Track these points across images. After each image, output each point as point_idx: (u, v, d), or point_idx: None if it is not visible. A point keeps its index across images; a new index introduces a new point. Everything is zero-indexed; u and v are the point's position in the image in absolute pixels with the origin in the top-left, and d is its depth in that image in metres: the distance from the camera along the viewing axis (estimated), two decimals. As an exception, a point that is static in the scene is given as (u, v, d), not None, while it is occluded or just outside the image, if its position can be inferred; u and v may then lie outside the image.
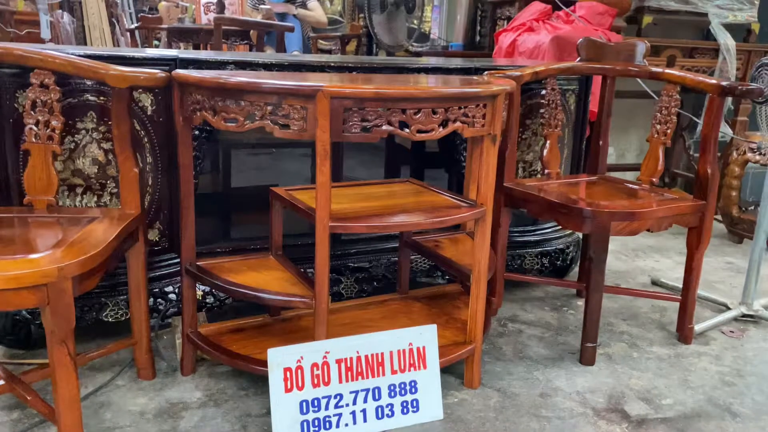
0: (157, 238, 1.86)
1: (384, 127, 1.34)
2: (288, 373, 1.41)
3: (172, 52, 1.87)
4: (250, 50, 4.41)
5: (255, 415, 1.54)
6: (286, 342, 1.63)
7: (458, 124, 1.42)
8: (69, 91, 1.62)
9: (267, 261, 1.72)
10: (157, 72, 1.48)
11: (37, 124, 1.50)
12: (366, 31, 4.46)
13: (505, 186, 1.99)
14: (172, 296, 1.87)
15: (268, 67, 1.82)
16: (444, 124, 1.40)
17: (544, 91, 2.10)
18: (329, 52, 5.40)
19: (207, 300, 1.90)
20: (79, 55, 1.52)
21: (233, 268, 1.65)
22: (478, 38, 4.17)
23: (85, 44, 4.78)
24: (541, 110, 2.11)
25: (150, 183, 1.80)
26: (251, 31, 4.25)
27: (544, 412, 1.59)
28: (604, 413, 1.60)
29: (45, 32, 4.37)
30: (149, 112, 1.74)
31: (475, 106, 1.44)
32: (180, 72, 1.46)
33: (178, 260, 1.90)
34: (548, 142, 2.11)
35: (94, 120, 1.68)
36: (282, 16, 4.21)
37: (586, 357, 1.84)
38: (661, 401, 1.67)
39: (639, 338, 2.03)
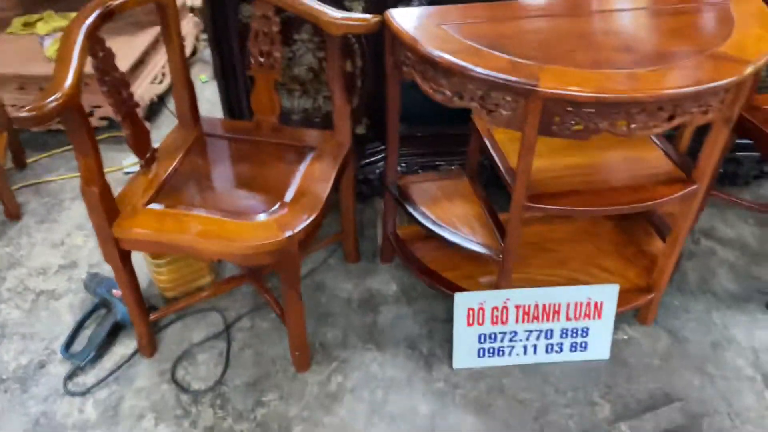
0: (364, 131, 1.98)
1: (600, 125, 1.25)
2: (471, 312, 1.60)
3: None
4: None
5: (440, 320, 1.79)
6: (474, 261, 1.79)
7: (686, 117, 1.27)
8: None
9: (461, 184, 1.79)
10: (370, 18, 1.44)
11: (261, 54, 1.58)
12: None
13: (735, 109, 1.76)
14: (376, 182, 2.05)
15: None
16: (670, 118, 1.26)
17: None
18: None
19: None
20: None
21: (429, 191, 1.75)
22: None
23: None
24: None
25: (360, 85, 1.86)
26: None
27: (710, 368, 1.66)
28: (773, 382, 1.64)
29: None
30: (360, 19, 1.72)
31: (714, 95, 1.26)
32: (392, 21, 1.41)
33: (381, 147, 2.04)
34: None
35: (310, 31, 1.71)
36: None
37: (776, 307, 1.80)
38: (844, 378, 1.64)
39: None
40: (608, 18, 1.44)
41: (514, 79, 1.22)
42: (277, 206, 1.44)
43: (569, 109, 1.23)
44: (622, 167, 1.55)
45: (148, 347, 1.68)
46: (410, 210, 1.70)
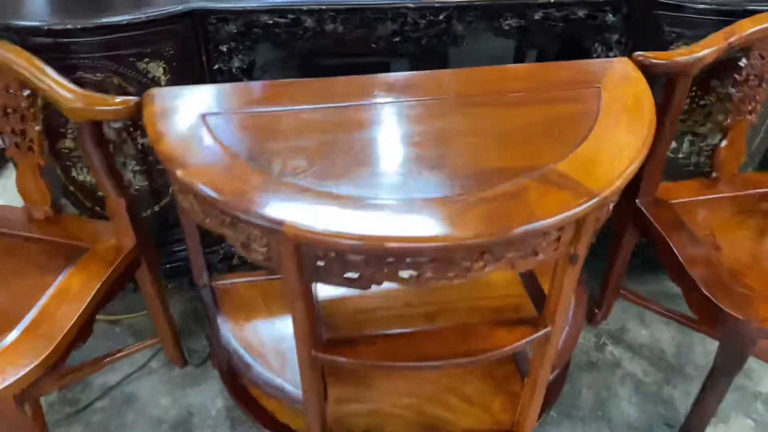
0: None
1: (377, 276, 0.90)
2: (275, 466, 1.26)
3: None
4: None
5: (264, 454, 1.45)
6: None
7: (503, 263, 0.92)
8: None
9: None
10: (130, 100, 1.10)
11: (14, 132, 1.25)
12: None
13: (635, 203, 1.42)
14: (212, 260, 1.71)
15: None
16: (481, 265, 0.91)
17: (744, 61, 1.33)
18: None
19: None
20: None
21: (249, 297, 1.42)
22: None
23: None
24: (732, 89, 1.36)
25: (178, 157, 1.52)
26: None
27: None
28: None
29: None
30: (163, 84, 1.38)
31: (542, 235, 0.91)
32: (150, 106, 1.07)
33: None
34: (730, 134, 1.41)
35: (96, 98, 1.37)
36: None
37: (681, 451, 1.45)
38: None
39: (777, 414, 1.54)
40: (432, 110, 1.09)
41: (253, 212, 0.87)
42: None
43: (333, 255, 0.89)
44: (463, 296, 1.20)
45: None
46: (216, 334, 1.35)
